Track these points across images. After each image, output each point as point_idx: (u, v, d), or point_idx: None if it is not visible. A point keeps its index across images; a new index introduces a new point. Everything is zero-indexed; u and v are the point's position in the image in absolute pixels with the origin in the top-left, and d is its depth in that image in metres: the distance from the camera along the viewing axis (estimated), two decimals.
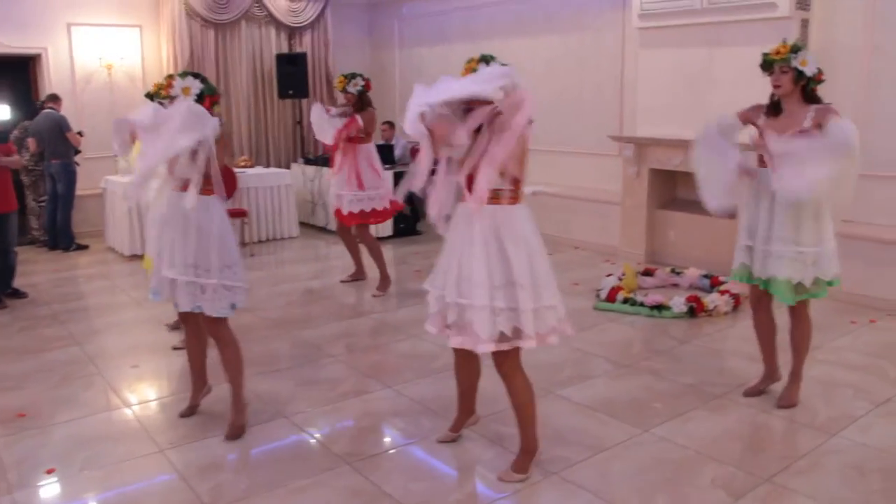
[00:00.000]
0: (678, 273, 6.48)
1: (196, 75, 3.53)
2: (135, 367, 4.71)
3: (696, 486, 3.21)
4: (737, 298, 5.70)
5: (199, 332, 3.85)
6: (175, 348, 4.98)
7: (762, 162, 3.75)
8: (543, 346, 3.14)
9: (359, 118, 6.18)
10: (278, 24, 10.43)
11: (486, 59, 3.06)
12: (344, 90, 6.30)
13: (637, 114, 7.41)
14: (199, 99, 3.47)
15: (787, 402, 3.96)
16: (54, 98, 8.30)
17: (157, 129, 3.34)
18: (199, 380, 4.03)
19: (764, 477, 3.26)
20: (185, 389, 4.38)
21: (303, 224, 9.38)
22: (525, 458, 3.29)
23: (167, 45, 9.51)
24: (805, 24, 6.20)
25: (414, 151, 10.17)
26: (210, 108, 3.51)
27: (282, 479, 3.31)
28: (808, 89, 3.70)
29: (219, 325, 3.67)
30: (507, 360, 3.15)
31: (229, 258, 3.60)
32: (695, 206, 7.21)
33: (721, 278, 6.12)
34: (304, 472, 3.37)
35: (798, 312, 3.91)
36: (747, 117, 3.87)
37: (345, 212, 6.29)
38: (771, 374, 4.16)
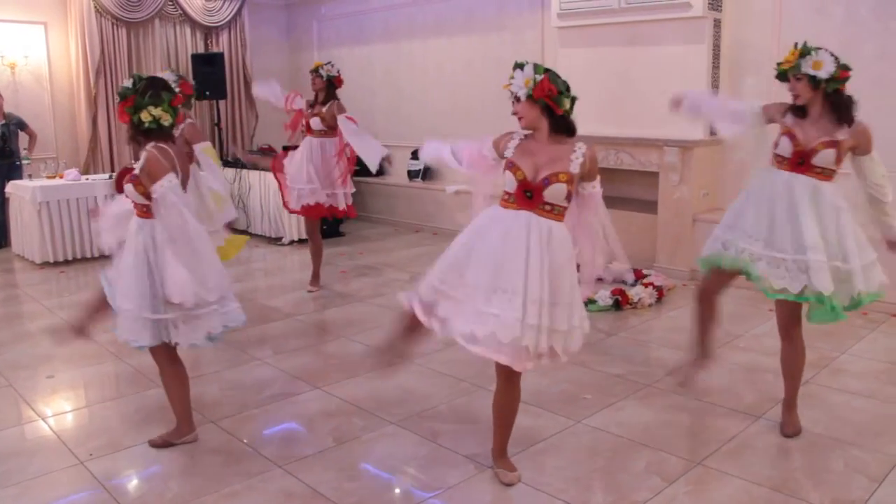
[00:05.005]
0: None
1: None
2: (50, 378, 4.49)
3: (631, 472, 3.25)
4: (660, 291, 5.84)
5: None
6: None
7: (779, 163, 3.50)
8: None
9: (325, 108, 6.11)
10: (194, 24, 10.18)
11: (520, 66, 3.01)
12: (316, 71, 6.19)
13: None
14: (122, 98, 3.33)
15: (793, 429, 3.61)
16: None
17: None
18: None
19: (695, 461, 3.33)
20: (103, 399, 4.22)
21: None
22: (506, 458, 3.27)
23: (76, 43, 9.16)
24: (717, 23, 6.40)
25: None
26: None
27: (212, 486, 3.19)
28: (828, 91, 3.41)
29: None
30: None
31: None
32: (617, 202, 7.37)
33: (644, 271, 6.25)
34: (235, 477, 3.26)
35: (792, 334, 3.58)
36: (770, 114, 3.61)
37: (295, 205, 6.21)
38: (707, 353, 3.90)
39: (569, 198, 2.96)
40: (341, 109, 6.08)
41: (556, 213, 2.96)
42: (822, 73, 3.38)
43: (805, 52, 3.42)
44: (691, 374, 3.97)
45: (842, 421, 3.72)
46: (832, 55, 3.41)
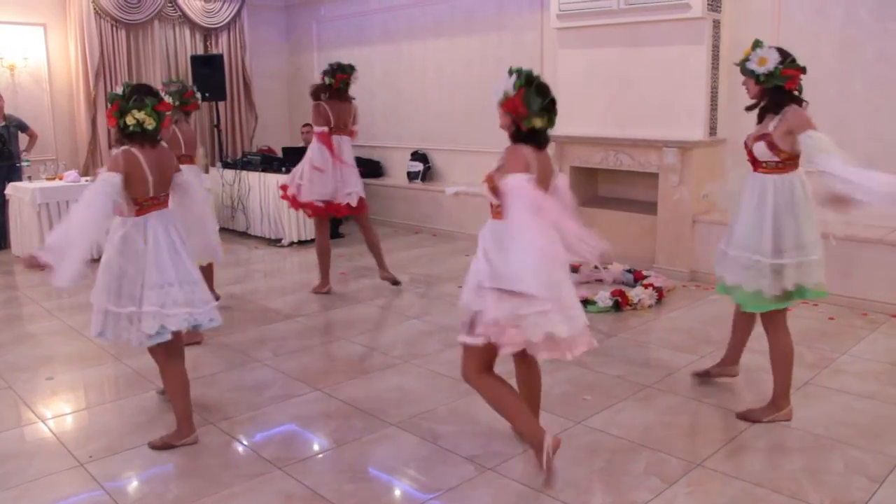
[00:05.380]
0: (602, 268, 6.57)
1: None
2: (49, 380, 4.49)
3: (631, 473, 3.25)
4: (660, 292, 5.83)
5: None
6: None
7: (755, 166, 3.58)
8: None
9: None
10: (193, 25, 10.18)
11: (510, 72, 3.09)
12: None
13: (557, 113, 7.49)
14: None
15: (751, 416, 3.71)
16: None
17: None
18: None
19: (695, 462, 3.33)
20: (103, 400, 4.22)
21: (223, 229, 9.14)
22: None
23: (75, 45, 9.16)
24: (717, 24, 6.40)
25: None
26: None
27: (212, 488, 3.19)
28: (767, 88, 3.46)
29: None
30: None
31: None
32: (616, 203, 7.38)
33: (644, 272, 6.25)
34: (235, 479, 3.26)
35: (767, 325, 3.71)
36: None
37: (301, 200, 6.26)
38: (729, 361, 4.11)
39: (497, 195, 3.02)
40: (318, 120, 6.09)
41: (496, 211, 3.09)
42: (762, 69, 3.43)
43: (753, 47, 3.49)
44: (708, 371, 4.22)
45: (842, 422, 3.72)
46: (781, 53, 3.44)
